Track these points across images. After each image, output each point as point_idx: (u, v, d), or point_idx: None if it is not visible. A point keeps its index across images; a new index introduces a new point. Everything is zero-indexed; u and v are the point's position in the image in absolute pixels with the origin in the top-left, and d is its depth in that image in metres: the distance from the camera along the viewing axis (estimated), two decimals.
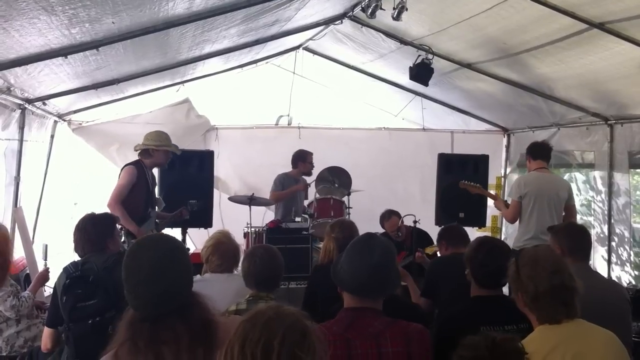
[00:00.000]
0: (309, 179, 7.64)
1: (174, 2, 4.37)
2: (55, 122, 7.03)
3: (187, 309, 2.14)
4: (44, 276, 4.75)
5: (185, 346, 2.06)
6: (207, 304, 2.22)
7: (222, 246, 3.87)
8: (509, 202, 6.11)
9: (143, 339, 2.04)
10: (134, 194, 5.58)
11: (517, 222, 6.06)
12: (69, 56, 4.67)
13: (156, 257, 2.13)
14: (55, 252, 5.33)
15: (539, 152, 6.05)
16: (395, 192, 9.16)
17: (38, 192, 6.71)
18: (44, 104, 6.12)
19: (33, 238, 6.38)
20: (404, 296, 4.59)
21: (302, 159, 7.59)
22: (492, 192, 7.62)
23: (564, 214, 5.89)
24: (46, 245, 5.07)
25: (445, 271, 4.38)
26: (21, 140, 5.83)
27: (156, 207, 6.04)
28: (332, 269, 2.74)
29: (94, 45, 4.65)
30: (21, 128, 5.79)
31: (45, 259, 4.92)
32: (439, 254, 5.31)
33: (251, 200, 6.73)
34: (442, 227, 5.36)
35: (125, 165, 5.76)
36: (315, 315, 2.97)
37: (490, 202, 7.09)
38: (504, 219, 8.00)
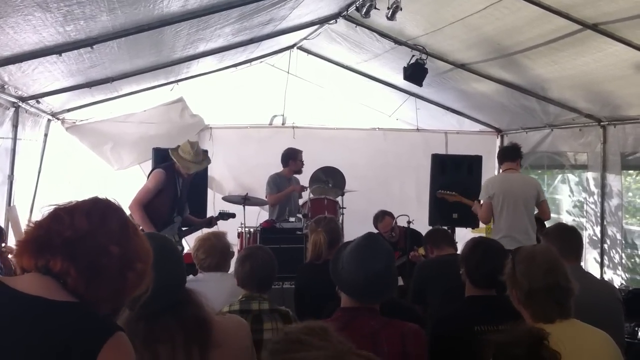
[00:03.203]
0: (303, 181, 7.63)
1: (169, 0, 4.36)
2: (49, 120, 7.01)
3: (181, 307, 2.15)
4: None
5: (181, 344, 2.06)
6: (201, 302, 2.22)
7: (208, 242, 3.88)
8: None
9: (139, 339, 2.04)
10: (159, 199, 5.60)
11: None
12: (63, 54, 4.67)
13: None
14: None
15: (504, 155, 6.24)
16: (390, 192, 9.15)
17: (32, 191, 6.68)
18: (38, 102, 6.10)
19: None
20: (399, 297, 4.58)
21: (292, 157, 7.56)
22: None
23: (537, 211, 6.01)
24: None
25: (432, 275, 4.38)
26: (15, 139, 5.81)
27: (184, 213, 6.04)
28: (333, 268, 2.71)
29: (88, 43, 4.64)
30: (15, 126, 5.78)
31: None
32: None
33: (245, 200, 6.73)
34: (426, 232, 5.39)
35: (156, 168, 5.82)
36: (308, 314, 2.95)
37: None
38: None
